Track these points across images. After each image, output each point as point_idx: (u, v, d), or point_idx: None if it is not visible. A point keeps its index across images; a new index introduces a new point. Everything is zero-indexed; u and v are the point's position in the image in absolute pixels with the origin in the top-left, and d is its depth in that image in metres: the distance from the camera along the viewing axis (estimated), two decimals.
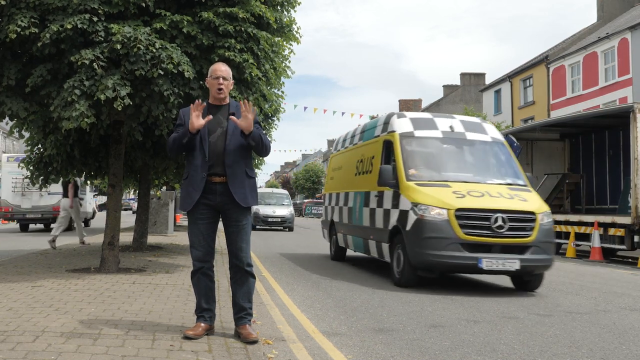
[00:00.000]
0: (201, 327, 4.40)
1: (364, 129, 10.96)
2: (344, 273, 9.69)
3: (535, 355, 4.58)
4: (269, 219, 24.68)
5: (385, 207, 8.63)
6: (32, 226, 22.31)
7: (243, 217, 4.45)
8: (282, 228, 25.26)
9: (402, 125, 9.00)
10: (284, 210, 25.23)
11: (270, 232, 23.28)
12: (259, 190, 25.12)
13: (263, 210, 24.79)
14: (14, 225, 22.93)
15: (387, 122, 9.44)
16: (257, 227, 24.66)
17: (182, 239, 15.16)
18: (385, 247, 8.64)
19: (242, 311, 4.46)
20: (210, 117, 4.33)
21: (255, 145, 4.39)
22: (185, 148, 4.39)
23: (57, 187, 19.39)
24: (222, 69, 4.47)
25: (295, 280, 8.67)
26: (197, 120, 4.27)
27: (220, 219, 4.53)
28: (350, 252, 12.09)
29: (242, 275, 4.47)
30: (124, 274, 7.76)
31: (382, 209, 8.77)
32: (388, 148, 9.09)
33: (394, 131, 8.97)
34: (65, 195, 12.98)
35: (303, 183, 77.28)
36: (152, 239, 14.45)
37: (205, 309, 4.48)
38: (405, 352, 4.60)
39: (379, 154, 9.37)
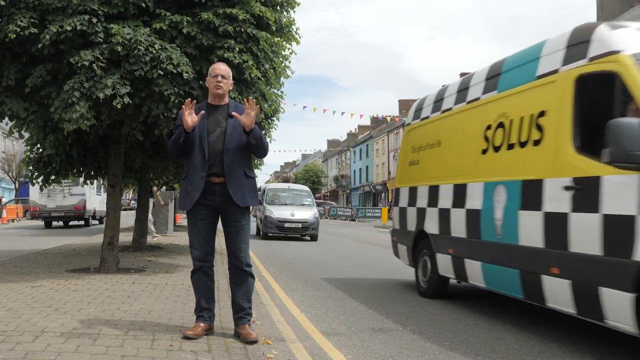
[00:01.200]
0: (201, 327, 4.40)
1: (501, 68, 6.21)
2: (343, 273, 9.69)
3: (535, 355, 4.58)
4: (286, 225, 18.36)
5: (614, 212, 4.24)
6: (54, 223, 25.38)
7: (242, 217, 4.45)
8: (300, 236, 18.90)
9: (631, 40, 4.62)
10: (306, 213, 18.84)
11: (286, 240, 17.98)
12: (271, 186, 18.41)
13: (277, 212, 18.65)
14: (39, 222, 26.12)
15: (584, 41, 4.92)
16: (270, 234, 18.72)
17: (182, 239, 15.16)
18: (620, 299, 4.14)
19: (241, 311, 4.46)
20: (203, 112, 4.34)
21: (255, 145, 4.38)
22: (184, 148, 4.39)
23: (78, 189, 23.26)
24: (221, 68, 4.50)
25: (294, 280, 8.67)
26: (189, 117, 4.27)
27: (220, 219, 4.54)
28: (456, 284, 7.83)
29: (241, 275, 4.47)
30: (124, 274, 7.76)
31: (596, 214, 4.39)
32: (589, 90, 4.83)
33: (614, 53, 4.55)
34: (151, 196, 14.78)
35: (303, 183, 77.42)
36: (151, 239, 14.45)
37: (204, 309, 4.48)
38: (405, 352, 4.60)
39: (566, 106, 4.94)
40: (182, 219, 26.35)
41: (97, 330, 4.39)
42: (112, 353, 3.79)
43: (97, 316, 4.94)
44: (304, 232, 18.63)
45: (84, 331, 4.36)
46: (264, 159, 14.65)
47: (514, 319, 5.96)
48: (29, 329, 4.38)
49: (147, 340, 4.18)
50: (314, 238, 18.69)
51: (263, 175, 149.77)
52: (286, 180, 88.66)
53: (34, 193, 23.62)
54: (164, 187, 21.28)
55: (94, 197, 25.17)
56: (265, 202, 19.68)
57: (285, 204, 19.67)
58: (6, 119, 7.78)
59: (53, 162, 9.89)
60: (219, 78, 4.42)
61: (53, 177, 10.31)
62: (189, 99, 4.36)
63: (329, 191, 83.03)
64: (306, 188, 22.06)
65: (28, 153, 10.45)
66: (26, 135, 9.60)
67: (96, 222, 26.83)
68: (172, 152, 4.51)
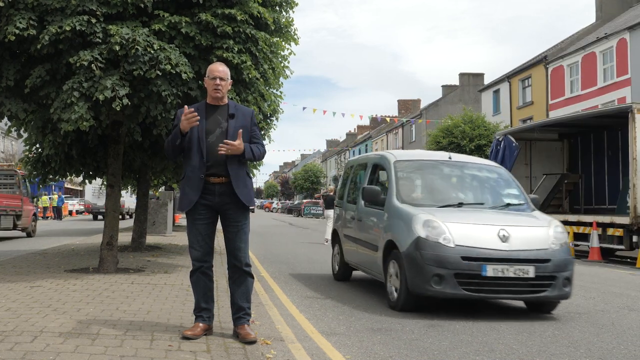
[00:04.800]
0: (200, 327, 4.40)
1: None
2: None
3: (534, 355, 4.58)
4: (491, 268, 5.62)
5: None
6: (99, 217, 32.75)
7: (242, 218, 4.46)
8: (524, 299, 6.18)
9: None
10: (535, 230, 6.13)
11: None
12: (402, 157, 7.68)
13: (459, 231, 5.86)
14: (89, 216, 35.99)
15: None
16: (434, 293, 5.79)
17: (181, 239, 15.14)
18: None
19: (240, 311, 4.46)
20: (196, 118, 4.26)
21: (249, 159, 4.46)
22: (181, 149, 4.40)
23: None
24: (219, 69, 4.46)
25: (294, 280, 8.67)
26: (187, 122, 4.24)
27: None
28: None
29: (240, 275, 4.47)
30: (123, 274, 7.75)
31: None
32: None
33: None
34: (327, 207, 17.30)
35: (302, 183, 77.44)
36: (150, 239, 14.44)
37: (203, 309, 4.48)
38: (404, 352, 4.60)
39: None
40: (182, 219, 26.33)
41: (95, 330, 4.39)
42: (111, 353, 3.79)
43: (96, 316, 4.94)
44: (541, 291, 5.96)
45: (83, 331, 4.35)
46: (263, 159, 14.28)
47: (513, 319, 5.96)
48: (27, 329, 4.38)
49: (145, 340, 4.18)
50: (551, 303, 6.36)
51: (262, 175, 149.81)
52: (285, 182, 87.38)
53: (88, 194, 34.69)
54: (163, 187, 21.29)
55: (128, 198, 32.31)
56: (397, 197, 6.88)
57: (459, 204, 6.85)
58: (5, 118, 7.77)
59: (52, 162, 9.88)
60: (218, 81, 4.39)
61: (51, 176, 10.30)
62: (186, 106, 4.30)
63: (328, 191, 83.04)
64: (495, 164, 8.32)
65: (27, 153, 10.44)
66: (25, 135, 9.58)
67: (128, 216, 33.31)
68: (168, 152, 4.50)
